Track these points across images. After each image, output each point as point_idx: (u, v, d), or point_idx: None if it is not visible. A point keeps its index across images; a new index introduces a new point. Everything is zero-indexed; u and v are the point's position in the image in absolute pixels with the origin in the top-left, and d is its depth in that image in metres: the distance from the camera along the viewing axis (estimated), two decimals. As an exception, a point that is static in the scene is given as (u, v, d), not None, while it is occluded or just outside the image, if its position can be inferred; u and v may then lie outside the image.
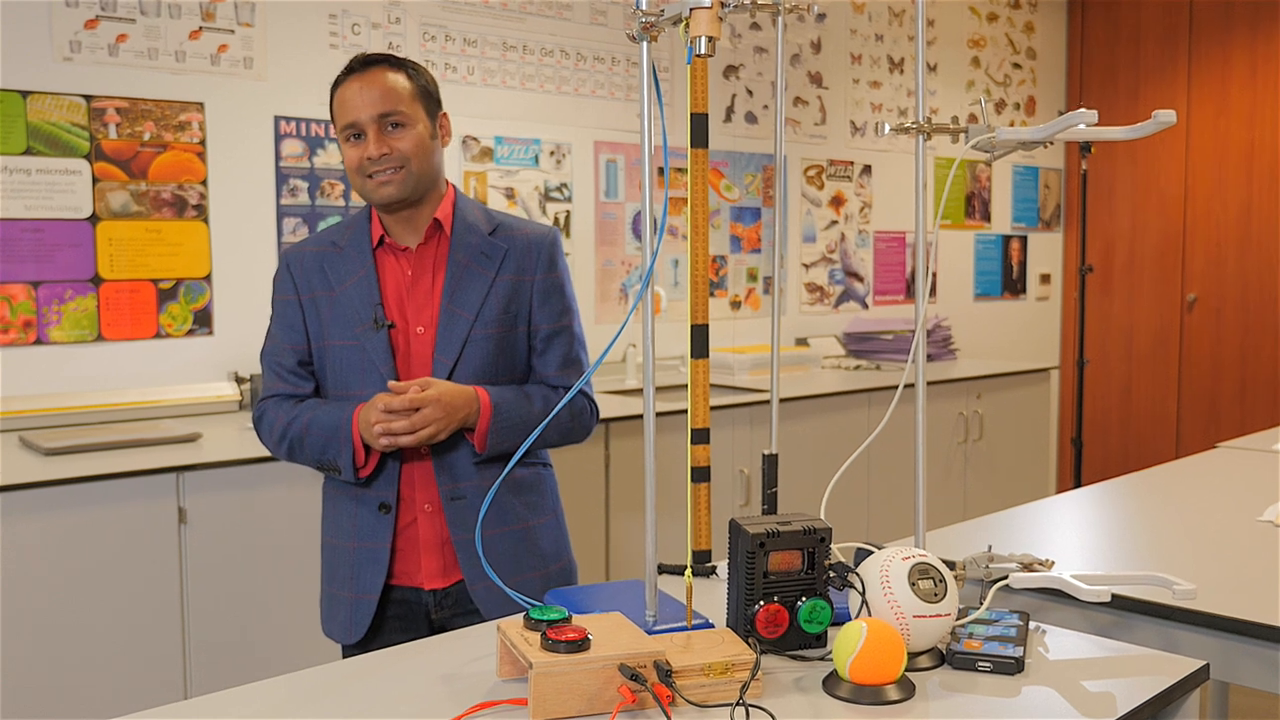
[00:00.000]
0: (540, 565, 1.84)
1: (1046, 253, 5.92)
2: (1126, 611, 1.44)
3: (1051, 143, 1.48)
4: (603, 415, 3.10)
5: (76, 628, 2.33)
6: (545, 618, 1.14)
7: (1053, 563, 1.44)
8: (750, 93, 4.46)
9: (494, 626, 1.28)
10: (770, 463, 1.59)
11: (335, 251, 1.82)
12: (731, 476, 3.47)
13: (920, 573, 1.20)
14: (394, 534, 1.77)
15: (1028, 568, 1.43)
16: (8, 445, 2.63)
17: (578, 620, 1.17)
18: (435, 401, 1.67)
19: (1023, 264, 5.77)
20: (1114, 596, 1.42)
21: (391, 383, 1.70)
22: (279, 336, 1.84)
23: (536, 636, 1.12)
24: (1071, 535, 1.85)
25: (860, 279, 4.96)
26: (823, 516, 1.42)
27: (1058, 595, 1.44)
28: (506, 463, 1.78)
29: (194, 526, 2.45)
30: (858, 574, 1.23)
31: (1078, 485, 4.71)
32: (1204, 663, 1.20)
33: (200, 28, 3.10)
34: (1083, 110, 1.35)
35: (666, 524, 2.99)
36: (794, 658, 1.23)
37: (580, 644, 1.08)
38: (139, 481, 2.39)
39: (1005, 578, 1.41)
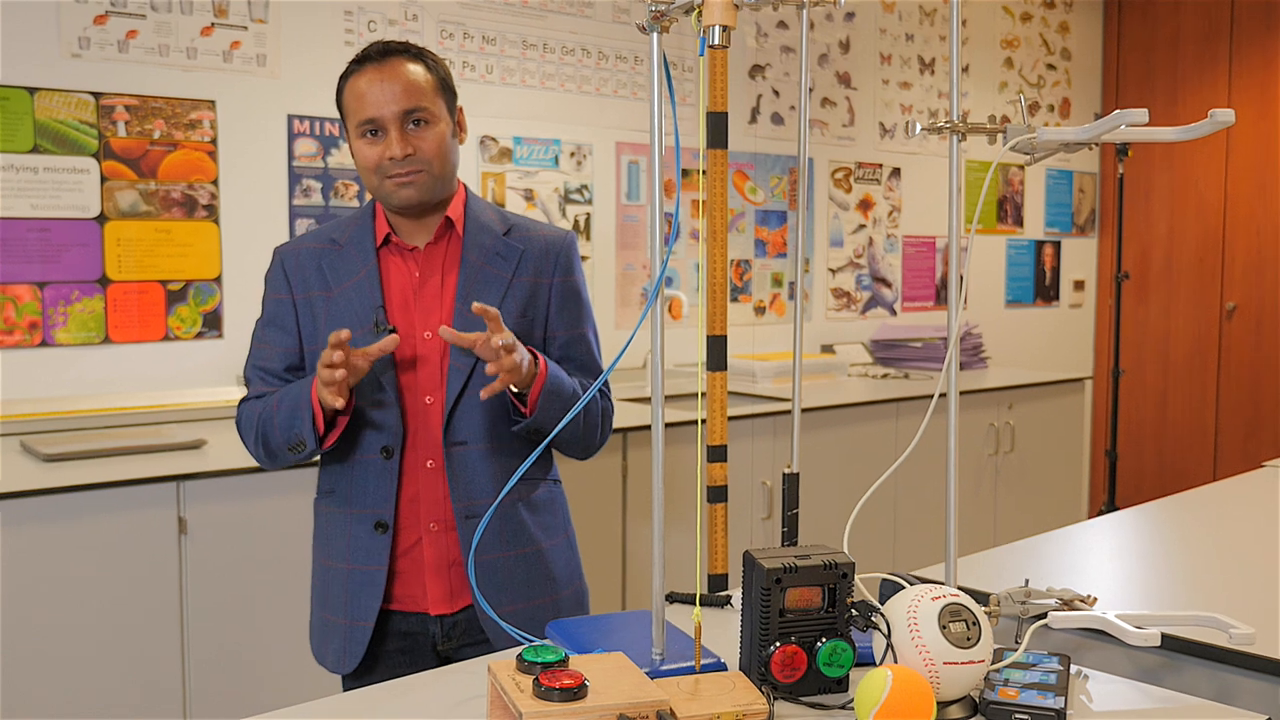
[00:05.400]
0: (552, 590, 1.73)
1: (1081, 258, 5.77)
2: (1176, 653, 1.32)
3: (1096, 144, 1.37)
4: (622, 424, 3.02)
5: (74, 639, 2.26)
6: (539, 660, 1.04)
7: (1095, 599, 1.33)
8: (776, 93, 4.36)
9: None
10: (791, 482, 1.49)
11: (335, 249, 1.71)
12: (753, 489, 3.37)
13: (952, 614, 1.09)
14: (393, 556, 1.66)
15: (1068, 604, 1.32)
16: (8, 450, 2.56)
17: (575, 662, 1.07)
18: (512, 337, 1.54)
19: (1056, 270, 5.63)
20: (1163, 637, 1.30)
21: (444, 328, 1.55)
22: (268, 339, 1.73)
23: (529, 681, 1.02)
24: (1112, 565, 1.73)
25: (888, 285, 4.84)
26: (845, 546, 1.32)
27: (1100, 633, 1.33)
28: (520, 479, 1.68)
29: (194, 537, 2.38)
30: (883, 614, 1.12)
31: (1111, 499, 4.57)
32: (1266, 717, 1.09)
33: (212, 24, 3.03)
34: (1130, 110, 1.25)
35: (684, 540, 2.91)
36: (812, 705, 1.12)
37: (576, 691, 0.99)
38: (138, 490, 2.32)
39: (1044, 615, 1.30)
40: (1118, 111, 1.23)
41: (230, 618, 2.43)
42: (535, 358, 1.62)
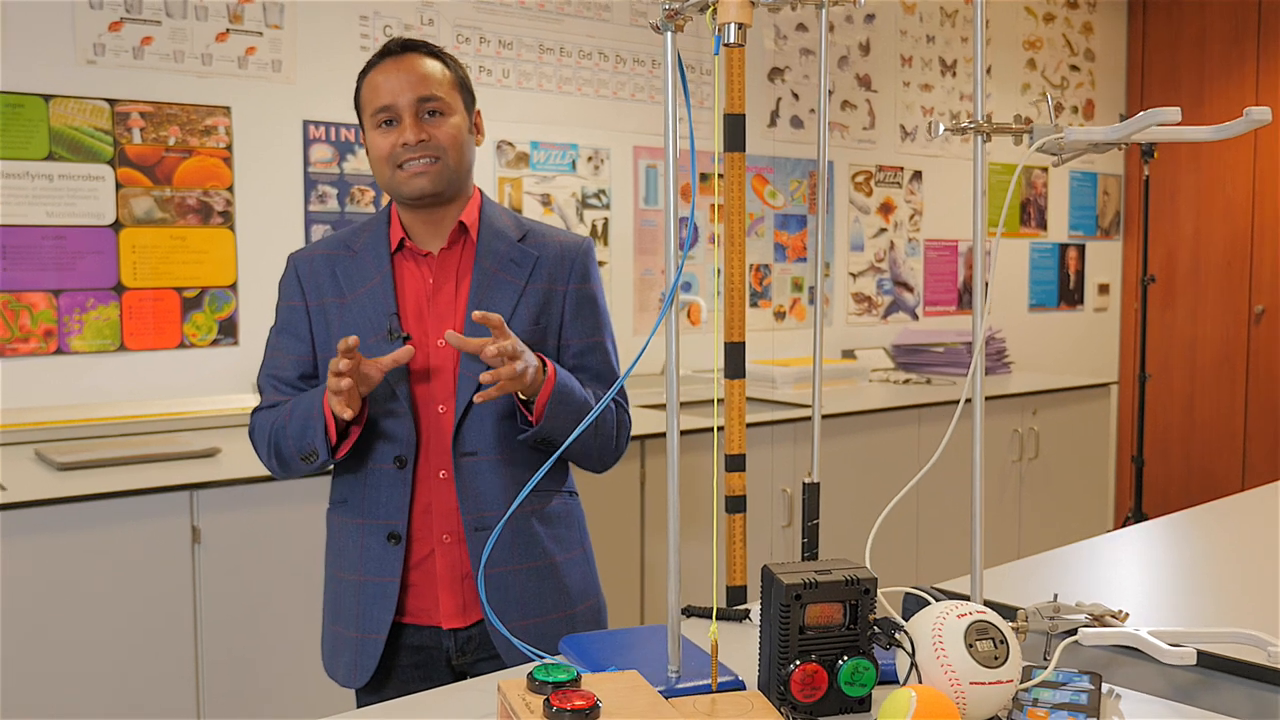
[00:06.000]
0: (567, 605, 1.69)
1: (1105, 262, 5.70)
2: (1212, 671, 1.28)
3: (1123, 146, 1.33)
4: (640, 431, 2.98)
5: (86, 649, 2.24)
6: (551, 679, 1.01)
7: (1126, 614, 1.28)
8: (796, 96, 4.31)
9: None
10: (811, 492, 1.45)
11: (349, 255, 1.69)
12: (773, 496, 3.33)
13: (978, 632, 1.05)
14: (406, 567, 1.63)
15: (1098, 620, 1.27)
16: (22, 459, 2.55)
17: (588, 681, 1.04)
18: (517, 345, 1.51)
19: (1080, 273, 5.56)
20: (1199, 654, 1.26)
21: (449, 332, 1.52)
22: (282, 347, 1.71)
23: (539, 701, 0.99)
24: (1143, 578, 1.68)
25: (910, 289, 4.78)
26: (868, 558, 1.28)
27: (1132, 650, 1.28)
28: (534, 491, 1.63)
29: (208, 546, 2.36)
30: (906, 632, 1.08)
31: (1138, 506, 4.50)
32: (1308, 740, 1.05)
33: (227, 30, 3.02)
34: (1161, 109, 1.20)
35: (702, 551, 2.86)
36: (833, 727, 1.09)
37: (587, 713, 0.95)
38: (152, 499, 2.30)
39: (1073, 632, 1.25)
40: (1148, 111, 1.19)
41: (244, 628, 2.40)
42: (544, 365, 1.59)
